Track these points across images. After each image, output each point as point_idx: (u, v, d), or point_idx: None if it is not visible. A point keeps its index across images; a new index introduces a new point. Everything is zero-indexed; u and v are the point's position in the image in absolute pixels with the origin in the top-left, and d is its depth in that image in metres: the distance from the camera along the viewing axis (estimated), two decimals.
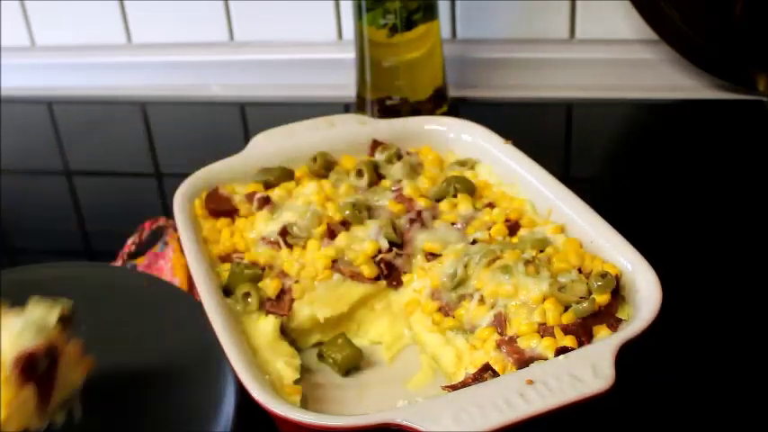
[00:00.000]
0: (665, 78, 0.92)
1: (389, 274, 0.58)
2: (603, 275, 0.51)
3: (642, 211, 0.74)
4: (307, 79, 1.00)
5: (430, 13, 0.84)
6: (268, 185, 0.64)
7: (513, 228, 0.59)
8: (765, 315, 0.61)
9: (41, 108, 1.06)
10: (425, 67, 0.87)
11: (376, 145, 0.68)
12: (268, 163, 0.66)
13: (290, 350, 0.55)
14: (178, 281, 0.66)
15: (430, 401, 0.44)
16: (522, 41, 0.95)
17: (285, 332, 0.57)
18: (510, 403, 0.43)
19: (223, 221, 0.62)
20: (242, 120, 1.01)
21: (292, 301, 0.57)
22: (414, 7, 0.83)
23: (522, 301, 0.51)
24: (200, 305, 0.54)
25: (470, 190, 0.62)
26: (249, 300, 0.56)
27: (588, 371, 0.44)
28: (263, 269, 0.58)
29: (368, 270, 0.57)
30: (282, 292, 0.57)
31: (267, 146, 0.68)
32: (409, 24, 0.83)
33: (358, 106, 0.89)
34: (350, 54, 0.88)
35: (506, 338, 0.50)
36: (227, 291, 0.57)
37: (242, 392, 0.50)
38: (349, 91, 0.91)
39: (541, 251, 0.55)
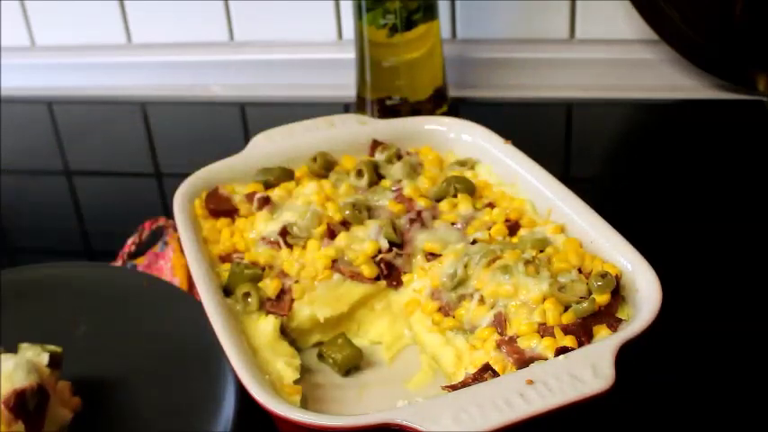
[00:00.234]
0: (665, 78, 0.92)
1: (389, 274, 0.58)
2: (603, 275, 0.51)
3: (642, 211, 0.74)
4: (307, 79, 1.00)
5: (430, 13, 0.84)
6: (268, 185, 0.64)
7: (513, 228, 0.59)
8: (765, 315, 0.61)
9: (41, 108, 1.06)
10: (425, 67, 0.87)
11: (376, 145, 0.68)
12: (268, 163, 0.66)
13: (290, 350, 0.55)
14: (178, 281, 0.66)
15: (430, 401, 0.44)
16: (522, 41, 0.95)
17: (285, 332, 0.57)
18: (510, 403, 0.43)
19: (223, 221, 0.62)
20: (242, 120, 1.01)
21: (292, 301, 0.57)
22: (414, 7, 0.83)
23: (522, 301, 0.51)
24: (200, 305, 0.53)
25: (470, 190, 0.62)
26: (249, 300, 0.56)
27: (588, 371, 0.44)
28: (263, 269, 0.58)
29: (368, 270, 0.57)
30: (282, 292, 0.57)
31: (267, 146, 0.68)
32: (409, 24, 0.83)
33: (358, 106, 0.89)
34: (350, 54, 0.88)
35: (506, 338, 0.50)
36: (227, 291, 0.57)
37: (242, 392, 0.50)
38: (349, 91, 0.91)
39: (541, 251, 0.55)
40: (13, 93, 1.06)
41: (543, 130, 0.90)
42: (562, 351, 0.47)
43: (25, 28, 1.07)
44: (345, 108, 0.93)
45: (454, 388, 0.47)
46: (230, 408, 0.52)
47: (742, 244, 0.68)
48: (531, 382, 0.44)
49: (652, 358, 0.55)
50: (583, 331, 0.49)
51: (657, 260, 0.52)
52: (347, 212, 0.60)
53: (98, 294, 0.62)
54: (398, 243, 0.59)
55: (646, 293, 0.50)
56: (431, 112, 0.87)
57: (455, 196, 0.62)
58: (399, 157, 0.66)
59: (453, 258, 0.55)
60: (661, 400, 0.54)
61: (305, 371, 0.56)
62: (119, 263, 0.70)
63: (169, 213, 0.64)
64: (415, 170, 0.65)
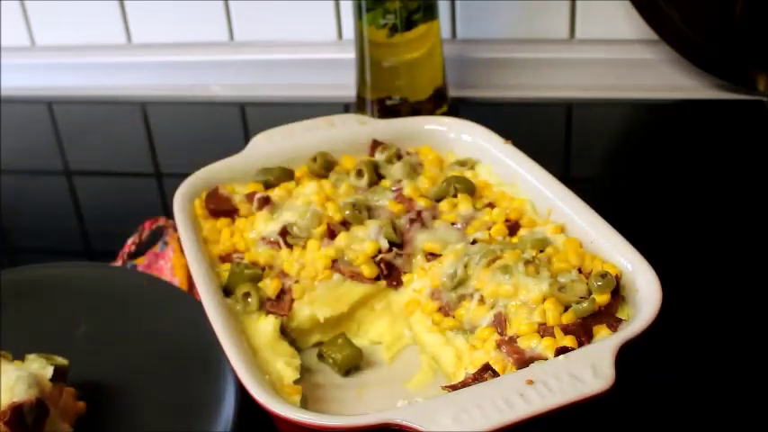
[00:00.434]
0: (665, 78, 0.92)
1: (389, 274, 0.58)
2: (603, 275, 0.51)
3: (642, 211, 0.74)
4: (307, 79, 1.00)
5: (430, 13, 0.84)
6: (268, 185, 0.64)
7: (513, 228, 0.59)
8: (765, 315, 0.61)
9: (41, 108, 1.06)
10: (425, 67, 0.87)
11: (376, 145, 0.68)
12: (268, 163, 0.66)
13: (290, 350, 0.55)
14: (178, 281, 0.66)
15: (430, 401, 0.44)
16: (522, 41, 0.95)
17: (285, 332, 0.57)
18: (510, 403, 0.43)
19: (223, 221, 0.62)
20: (242, 120, 1.01)
21: (292, 301, 0.57)
22: (414, 7, 0.83)
23: (522, 301, 0.51)
24: (200, 305, 0.53)
25: (470, 190, 0.62)
26: (249, 300, 0.56)
27: (588, 371, 0.44)
28: (263, 269, 0.58)
29: (368, 270, 0.57)
30: (282, 292, 0.57)
31: (267, 146, 0.68)
32: (409, 24, 0.83)
33: (358, 106, 0.89)
34: (350, 54, 0.88)
35: (506, 338, 0.50)
36: (227, 291, 0.57)
37: (242, 392, 0.50)
38: (349, 91, 0.91)
39: (541, 251, 0.55)
40: (13, 93, 1.06)
41: (543, 130, 0.90)
42: (562, 351, 0.47)
43: (25, 28, 1.07)
44: (345, 108, 0.93)
45: (454, 388, 0.47)
46: (230, 408, 0.52)
47: (742, 244, 0.68)
48: (531, 382, 0.44)
49: (652, 358, 0.55)
50: (583, 331, 0.49)
51: (657, 260, 0.52)
52: (347, 212, 0.60)
53: (98, 294, 0.62)
54: (398, 243, 0.59)
55: (646, 293, 0.50)
56: (431, 112, 0.87)
57: (455, 196, 0.62)
58: (399, 157, 0.66)
59: (453, 258, 0.55)
60: (661, 400, 0.54)
61: (305, 371, 0.56)
62: (119, 263, 0.70)
63: (169, 213, 0.64)
64: (415, 170, 0.65)
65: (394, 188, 0.63)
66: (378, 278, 0.58)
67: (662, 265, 0.51)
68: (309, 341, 0.59)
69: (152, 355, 0.57)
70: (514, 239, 0.57)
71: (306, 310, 0.57)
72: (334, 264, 0.58)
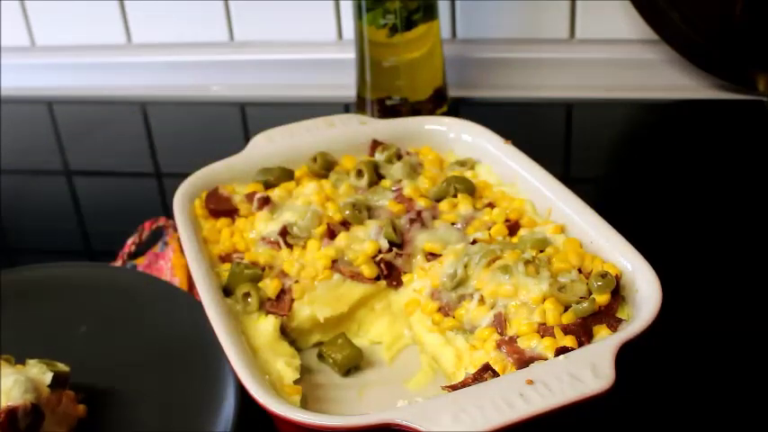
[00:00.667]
0: (665, 78, 0.92)
1: (389, 274, 0.58)
2: (603, 275, 0.51)
3: (642, 211, 0.74)
4: (307, 79, 1.00)
5: (430, 13, 0.84)
6: (268, 185, 0.64)
7: (513, 228, 0.59)
8: (765, 314, 0.61)
9: (41, 108, 1.06)
10: (425, 67, 0.87)
11: (376, 145, 0.68)
12: (268, 163, 0.66)
13: (290, 350, 0.55)
14: (178, 281, 0.66)
15: (430, 401, 0.44)
16: (522, 41, 0.95)
17: (285, 332, 0.57)
18: (510, 403, 0.43)
19: (223, 221, 0.62)
20: (242, 120, 1.01)
21: (292, 301, 0.57)
22: (414, 7, 0.83)
23: (522, 301, 0.51)
24: (200, 305, 0.53)
25: (470, 190, 0.62)
26: (249, 300, 0.56)
27: (588, 371, 0.44)
28: (263, 269, 0.58)
29: (368, 270, 0.57)
30: (282, 292, 0.57)
31: (267, 146, 0.68)
32: (409, 24, 0.83)
33: (358, 106, 0.89)
34: (350, 54, 0.88)
35: (506, 338, 0.50)
36: (227, 291, 0.57)
37: (242, 392, 0.50)
38: (349, 91, 0.91)
39: (541, 251, 0.55)
40: (13, 93, 1.06)
41: (543, 130, 0.90)
42: (562, 351, 0.47)
43: (25, 28, 1.07)
44: (345, 108, 0.93)
45: (454, 388, 0.47)
46: (230, 408, 0.52)
47: (742, 244, 0.68)
48: (531, 382, 0.44)
49: (652, 358, 0.55)
50: (583, 331, 0.49)
51: (657, 260, 0.52)
52: (347, 212, 0.60)
53: (98, 294, 0.62)
54: (398, 243, 0.59)
55: (646, 293, 0.50)
56: (431, 112, 0.87)
57: (455, 196, 0.62)
58: (399, 157, 0.66)
59: (453, 258, 0.55)
60: (661, 400, 0.54)
61: (305, 371, 0.56)
62: (119, 263, 0.70)
63: (169, 213, 0.64)
64: (415, 170, 0.65)
65: (394, 188, 0.63)
66: (378, 278, 0.58)
67: (662, 265, 0.51)
68: (309, 341, 0.59)
69: (152, 355, 0.57)
70: (514, 239, 0.57)
71: (306, 310, 0.57)
72: (334, 264, 0.58)
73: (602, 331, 0.49)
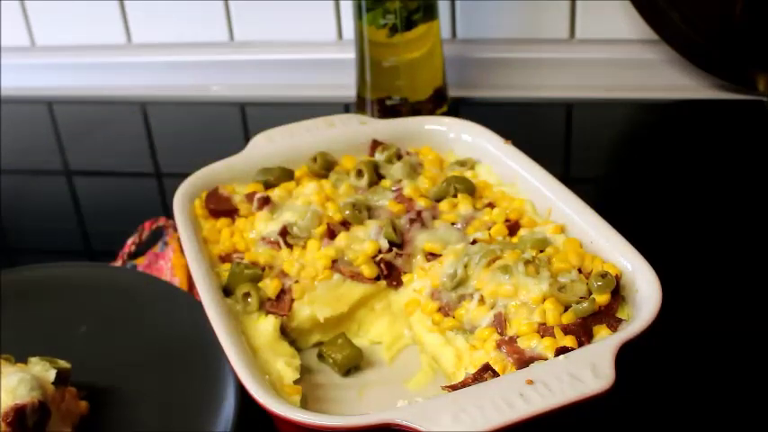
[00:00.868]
0: (665, 78, 0.92)
1: (389, 274, 0.58)
2: (603, 275, 0.51)
3: (642, 211, 0.74)
4: (307, 79, 1.00)
5: (430, 13, 0.84)
6: (268, 185, 0.64)
7: (513, 228, 0.59)
8: (765, 314, 0.61)
9: (41, 108, 1.06)
10: (425, 67, 0.87)
11: (376, 145, 0.68)
12: (268, 163, 0.66)
13: (290, 350, 0.55)
14: (178, 281, 0.66)
15: (430, 401, 0.44)
16: (522, 41, 0.95)
17: (285, 332, 0.57)
18: (510, 403, 0.43)
19: (223, 221, 0.62)
20: (242, 120, 1.01)
21: (292, 301, 0.57)
22: (414, 7, 0.83)
23: (522, 301, 0.51)
24: (200, 305, 0.53)
25: (470, 190, 0.62)
26: (249, 300, 0.56)
27: (588, 371, 0.44)
28: (263, 269, 0.58)
29: (368, 270, 0.57)
30: (282, 292, 0.57)
31: (267, 146, 0.68)
32: (409, 24, 0.83)
33: (358, 106, 0.89)
34: (350, 54, 0.88)
35: (506, 338, 0.50)
36: (227, 291, 0.57)
37: (242, 392, 0.50)
38: (349, 91, 0.91)
39: (541, 251, 0.55)
40: (13, 93, 1.06)
41: (543, 130, 0.90)
42: (562, 351, 0.47)
43: (25, 28, 1.07)
44: (345, 108, 0.93)
45: (454, 388, 0.47)
46: (230, 408, 0.52)
47: (742, 244, 0.68)
48: (531, 382, 0.44)
49: (652, 358, 0.55)
50: (583, 331, 0.49)
51: (657, 260, 0.52)
52: (347, 212, 0.60)
53: (98, 294, 0.62)
54: (398, 243, 0.59)
55: (646, 293, 0.50)
56: (431, 112, 0.87)
57: (455, 196, 0.62)
58: (399, 157, 0.66)
59: (453, 258, 0.55)
60: (661, 400, 0.54)
61: (305, 371, 0.56)
62: (119, 263, 0.70)
63: (169, 213, 0.64)
64: (415, 170, 0.65)
65: (394, 188, 0.63)
66: (378, 278, 0.58)
67: (662, 265, 0.51)
68: (309, 341, 0.59)
69: (152, 355, 0.57)
70: (514, 239, 0.57)
71: (306, 310, 0.57)
72: (334, 264, 0.58)
73: (602, 331, 0.49)
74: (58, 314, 0.61)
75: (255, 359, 0.52)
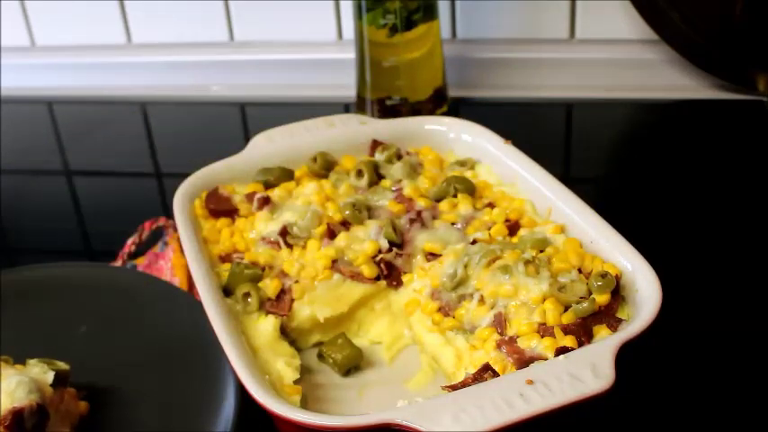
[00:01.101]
0: (665, 78, 0.92)
1: (389, 274, 0.58)
2: (603, 275, 0.51)
3: (642, 211, 0.74)
4: (307, 79, 1.00)
5: (430, 13, 0.84)
6: (268, 185, 0.64)
7: (513, 228, 0.59)
8: (765, 314, 0.61)
9: (41, 108, 1.06)
10: (425, 67, 0.87)
11: (376, 145, 0.68)
12: (268, 163, 0.66)
13: (290, 350, 0.55)
14: (178, 281, 0.66)
15: (430, 401, 0.44)
16: (522, 41, 0.95)
17: (285, 332, 0.57)
18: (510, 403, 0.43)
19: (223, 221, 0.62)
20: (242, 120, 1.01)
21: (292, 301, 0.57)
22: (414, 7, 0.83)
23: (522, 301, 0.51)
24: (200, 305, 0.53)
25: (470, 190, 0.62)
26: (249, 300, 0.56)
27: (588, 371, 0.44)
28: (263, 269, 0.58)
29: (368, 270, 0.57)
30: (282, 292, 0.57)
31: (267, 146, 0.68)
32: (409, 24, 0.83)
33: (358, 106, 0.89)
34: (350, 54, 0.88)
35: (506, 338, 0.50)
36: (227, 291, 0.57)
37: (242, 392, 0.50)
38: (349, 91, 0.91)
39: (541, 251, 0.55)
40: (13, 93, 1.06)
41: (543, 130, 0.90)
42: (562, 351, 0.47)
43: (25, 28, 1.07)
44: (345, 108, 0.93)
45: (454, 388, 0.47)
46: (230, 408, 0.52)
47: (742, 244, 0.68)
48: (531, 382, 0.44)
49: (652, 358, 0.55)
50: (583, 331, 0.49)
51: (657, 260, 0.52)
52: (347, 212, 0.60)
53: (98, 294, 0.62)
54: (398, 243, 0.59)
55: (646, 293, 0.50)
56: (431, 112, 0.87)
57: (455, 196, 0.62)
58: (399, 157, 0.66)
59: (453, 258, 0.55)
60: (661, 400, 0.54)
61: (305, 371, 0.56)
62: (119, 263, 0.70)
63: (169, 213, 0.64)
64: (415, 170, 0.65)
65: (394, 188, 0.63)
66: (378, 278, 0.58)
67: (662, 265, 0.51)
68: (309, 341, 0.59)
69: (152, 355, 0.57)
70: (514, 239, 0.57)
71: (306, 310, 0.57)
72: (334, 264, 0.58)
73: (602, 331, 0.49)
74: (57, 314, 0.61)
75: (255, 359, 0.52)
